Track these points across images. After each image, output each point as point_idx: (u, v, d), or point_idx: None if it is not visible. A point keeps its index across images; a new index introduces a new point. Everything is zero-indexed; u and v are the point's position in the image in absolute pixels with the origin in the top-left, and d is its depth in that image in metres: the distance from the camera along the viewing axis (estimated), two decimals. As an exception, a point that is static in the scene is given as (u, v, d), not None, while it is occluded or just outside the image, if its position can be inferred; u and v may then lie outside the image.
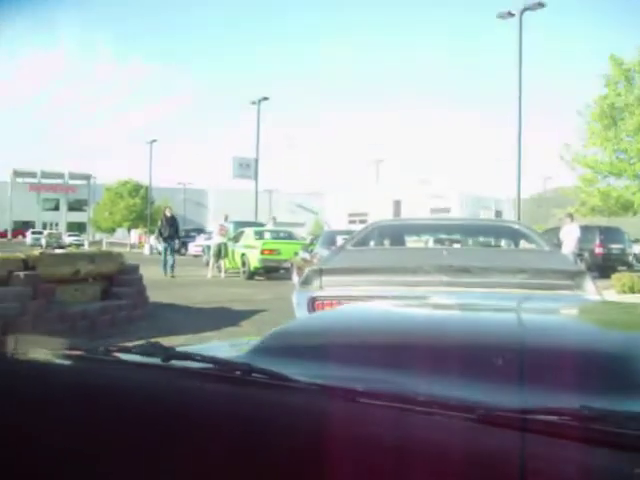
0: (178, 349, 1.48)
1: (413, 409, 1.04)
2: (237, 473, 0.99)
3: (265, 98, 42.01)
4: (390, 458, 0.94)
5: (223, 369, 1.27)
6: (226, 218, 23.50)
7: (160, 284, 15.56)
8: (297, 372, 1.24)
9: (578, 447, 0.91)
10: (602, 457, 0.90)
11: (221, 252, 22.06)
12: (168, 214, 21.25)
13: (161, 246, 22.19)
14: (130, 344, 1.48)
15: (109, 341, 7.34)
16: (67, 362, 1.40)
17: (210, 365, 1.29)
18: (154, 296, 11.57)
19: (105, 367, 1.38)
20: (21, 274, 7.84)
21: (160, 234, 21.48)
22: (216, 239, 22.41)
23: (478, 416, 0.99)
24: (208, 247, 28.04)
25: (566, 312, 2.44)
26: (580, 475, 0.87)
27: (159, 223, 22.06)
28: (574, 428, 0.95)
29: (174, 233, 21.20)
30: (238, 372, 1.25)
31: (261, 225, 29.12)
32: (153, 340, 1.49)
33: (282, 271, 20.57)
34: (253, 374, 1.23)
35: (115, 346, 1.49)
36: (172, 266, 20.38)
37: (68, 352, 1.46)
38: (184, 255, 21.86)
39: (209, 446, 1.04)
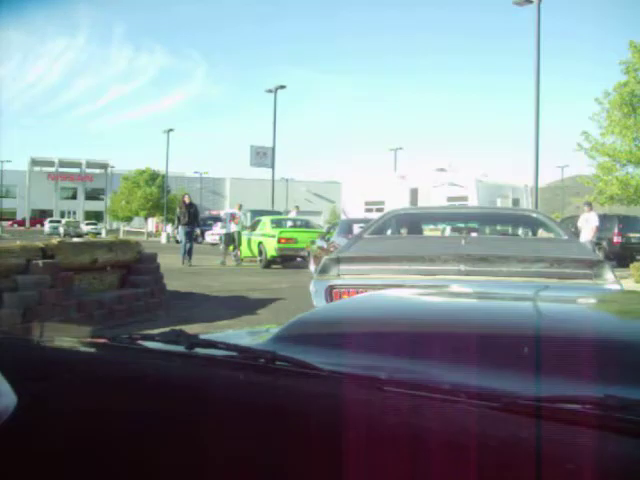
0: (202, 337, 1.49)
1: (437, 397, 1.05)
2: (262, 460, 1.00)
3: (282, 86, 41.96)
4: (413, 445, 0.94)
5: (247, 357, 1.28)
6: (240, 207, 23.54)
7: (177, 272, 15.63)
8: (318, 360, 1.25)
9: (604, 436, 0.91)
10: (626, 446, 0.90)
11: (234, 240, 22.08)
12: (187, 200, 20.77)
13: (179, 234, 21.60)
14: (154, 332, 1.49)
15: (128, 329, 7.38)
16: (91, 349, 1.41)
17: (234, 353, 1.30)
18: (171, 284, 11.61)
19: (129, 355, 1.39)
20: (40, 262, 7.88)
21: (178, 221, 21.03)
22: (229, 227, 22.40)
23: (503, 404, 0.99)
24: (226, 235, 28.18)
25: (585, 301, 2.43)
26: (605, 464, 0.87)
27: (177, 210, 21.63)
28: (599, 417, 0.95)
29: (193, 220, 20.71)
30: (262, 360, 1.25)
31: (278, 214, 29.16)
32: (177, 328, 1.49)
33: (299, 260, 20.59)
34: (277, 362, 1.23)
35: (139, 334, 1.50)
36: (190, 254, 20.08)
37: (92, 340, 1.47)
38: (201, 243, 21.40)
39: (234, 433, 1.05)
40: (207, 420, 1.08)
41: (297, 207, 28.31)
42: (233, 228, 22.07)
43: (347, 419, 0.99)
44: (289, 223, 23.10)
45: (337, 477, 0.91)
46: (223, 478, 1.00)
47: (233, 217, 22.45)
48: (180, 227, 20.80)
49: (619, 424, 0.93)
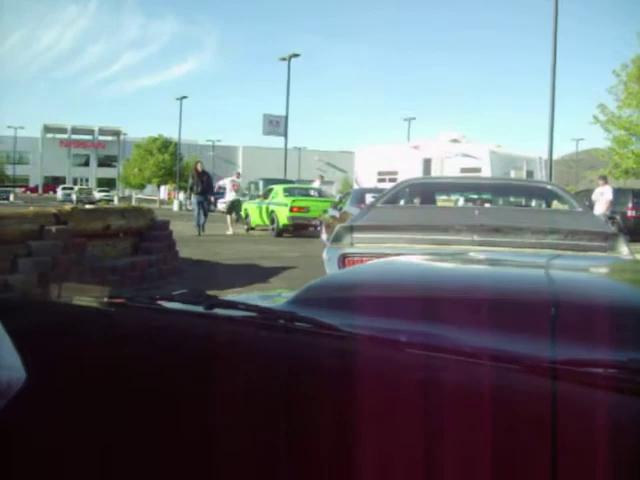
0: (221, 298, 1.49)
1: (458, 359, 1.05)
2: (281, 418, 1.00)
3: (295, 55, 41.71)
4: (434, 402, 0.95)
5: (266, 317, 1.28)
6: (238, 175, 23.38)
7: (189, 240, 15.65)
8: (334, 323, 1.25)
9: (624, 398, 0.91)
10: None
11: (235, 208, 21.95)
12: (199, 168, 20.10)
13: (192, 202, 21.00)
14: (173, 293, 1.49)
15: (143, 293, 7.42)
16: (111, 309, 1.41)
17: (253, 314, 1.30)
18: (183, 252, 11.64)
19: (148, 314, 1.40)
20: (53, 228, 7.91)
21: (191, 190, 20.43)
22: (229, 195, 22.21)
23: (524, 367, 0.99)
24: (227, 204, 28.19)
25: (601, 268, 2.42)
26: (626, 426, 0.87)
27: (190, 179, 20.96)
28: (621, 380, 0.94)
29: (206, 189, 20.01)
30: (281, 320, 1.25)
31: (290, 182, 29.09)
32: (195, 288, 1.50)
33: (311, 229, 20.59)
34: (297, 322, 1.24)
35: (158, 294, 1.51)
36: (202, 223, 19.59)
37: (110, 300, 1.48)
38: (213, 211, 21.02)
39: (254, 392, 1.05)
40: (227, 378, 1.09)
41: (322, 176, 27.97)
42: (232, 196, 21.85)
43: (367, 377, 0.99)
44: (302, 192, 23.07)
45: (356, 432, 0.92)
46: (241, 434, 1.00)
47: (233, 185, 22.30)
48: (193, 196, 20.27)
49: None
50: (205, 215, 19.82)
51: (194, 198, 20.10)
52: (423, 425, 0.93)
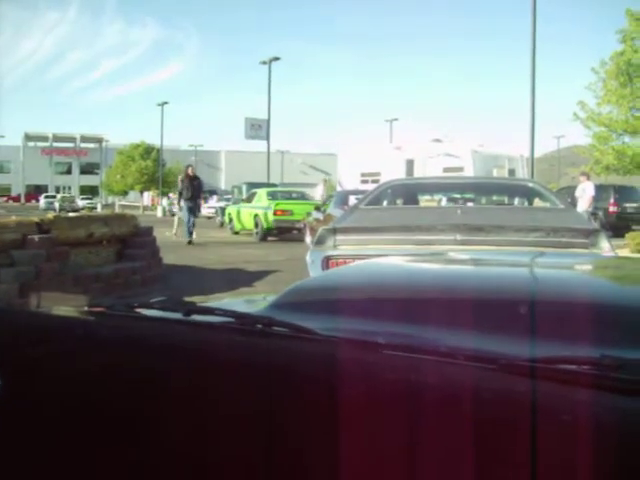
0: (199, 304, 1.49)
1: (434, 359, 1.05)
2: (261, 423, 1.00)
3: (276, 58, 41.69)
4: (411, 403, 0.95)
5: (244, 323, 1.28)
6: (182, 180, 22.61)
7: (173, 246, 15.61)
8: (315, 326, 1.25)
9: (600, 395, 0.92)
10: (621, 403, 0.91)
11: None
12: (191, 173, 18.92)
13: (182, 209, 19.27)
14: (151, 300, 1.49)
15: (124, 301, 7.39)
16: (89, 318, 1.41)
17: (231, 319, 1.30)
18: (167, 258, 11.61)
19: (127, 323, 1.40)
20: (35, 237, 7.87)
21: (180, 195, 19.13)
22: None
23: (500, 366, 1.00)
24: (221, 208, 27.98)
25: (580, 266, 2.44)
26: (602, 422, 0.88)
27: (179, 184, 19.53)
28: (596, 377, 0.95)
29: (197, 194, 19.03)
30: (259, 325, 1.26)
31: (274, 186, 29.08)
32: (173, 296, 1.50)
33: (295, 232, 20.59)
34: (274, 327, 1.24)
35: (136, 302, 1.50)
36: (190, 231, 18.47)
37: (90, 308, 1.47)
38: (197, 217, 20.23)
39: (232, 396, 1.05)
40: (205, 384, 1.09)
41: (325, 180, 27.44)
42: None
43: (345, 381, 0.99)
44: (285, 195, 23.07)
45: (336, 436, 0.92)
46: (222, 439, 1.00)
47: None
48: (183, 202, 18.93)
49: (615, 383, 0.93)
50: (193, 223, 18.82)
51: (184, 204, 18.92)
52: (404, 427, 0.93)
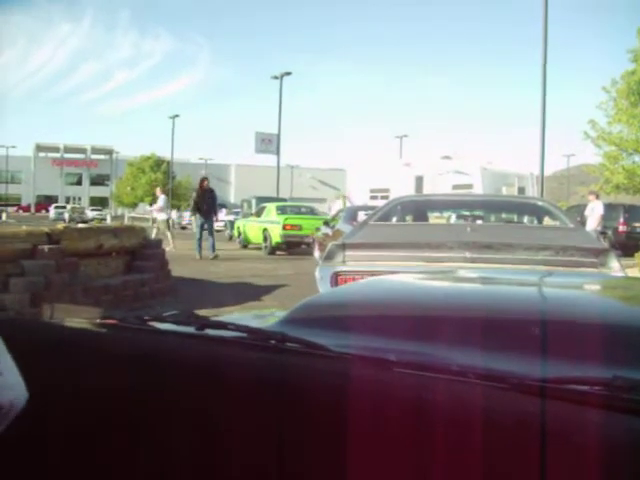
0: (211, 318, 1.50)
1: (445, 378, 1.06)
2: (273, 438, 1.01)
3: (288, 73, 41.86)
4: (422, 422, 0.95)
5: (257, 338, 1.29)
6: (160, 191, 22.36)
7: (182, 259, 15.60)
8: (326, 343, 1.26)
9: (611, 416, 0.92)
10: (635, 425, 0.91)
11: (169, 227, 21.03)
12: (205, 186, 17.96)
13: (196, 223, 18.41)
14: (164, 314, 1.50)
15: (134, 313, 7.40)
16: (102, 330, 1.42)
17: (244, 334, 1.30)
18: (176, 270, 11.62)
19: (139, 335, 1.40)
20: (45, 248, 7.90)
21: (196, 209, 18.02)
22: (161, 215, 21.13)
23: (512, 385, 1.00)
24: (230, 222, 28.03)
25: (590, 286, 2.44)
26: (613, 443, 0.88)
27: (193, 194, 18.64)
28: (608, 397, 0.96)
29: (211, 207, 17.95)
30: (272, 341, 1.26)
31: (283, 200, 29.13)
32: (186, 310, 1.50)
33: (304, 246, 20.58)
34: (287, 343, 1.24)
35: (149, 316, 1.51)
36: (212, 244, 17.28)
37: (102, 321, 1.48)
38: (213, 234, 19.08)
39: (244, 411, 1.06)
40: (218, 399, 1.09)
41: (344, 196, 27.27)
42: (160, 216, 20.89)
43: (356, 398, 1.00)
44: (294, 210, 23.10)
45: (346, 453, 0.92)
46: (233, 454, 1.01)
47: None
48: (197, 216, 18.05)
49: (626, 404, 0.94)
50: (211, 235, 17.71)
51: (197, 219, 18.08)
52: (415, 445, 0.94)
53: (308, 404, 1.03)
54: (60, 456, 1.05)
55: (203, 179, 18.65)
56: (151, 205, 22.22)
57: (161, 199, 21.28)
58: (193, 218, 19.67)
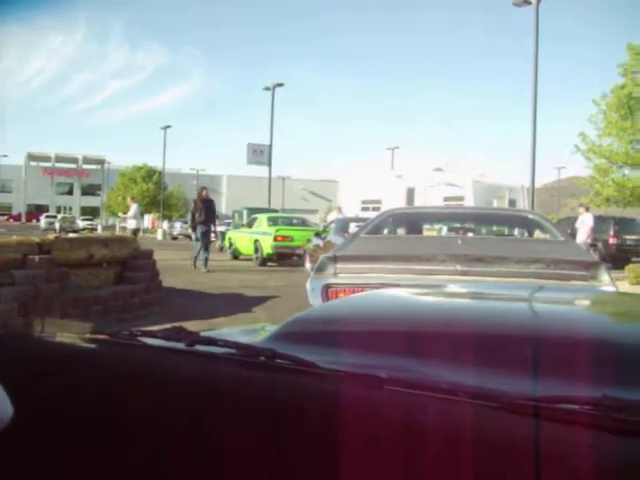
0: (202, 334, 1.50)
1: (436, 396, 1.06)
2: (263, 456, 1.01)
3: (279, 84, 41.92)
4: (412, 442, 0.95)
5: (247, 354, 1.29)
6: (132, 200, 22.42)
7: (173, 269, 15.57)
8: (317, 359, 1.26)
9: (601, 435, 0.92)
10: (623, 445, 0.91)
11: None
12: (204, 196, 17.56)
13: (196, 234, 17.73)
14: (154, 329, 1.50)
15: (124, 325, 7.39)
16: (92, 345, 1.42)
17: (234, 350, 1.30)
18: (167, 281, 11.60)
19: (130, 351, 1.40)
20: (36, 258, 7.88)
21: (193, 219, 17.58)
22: (132, 222, 21.10)
23: (502, 404, 1.00)
24: (221, 233, 28.02)
25: (581, 302, 2.44)
26: (602, 463, 0.88)
27: (192, 205, 18.13)
28: (597, 417, 0.96)
29: (211, 218, 17.54)
30: (262, 357, 1.26)
31: (274, 211, 29.14)
32: (177, 325, 1.50)
33: (295, 258, 20.58)
34: (277, 360, 1.24)
35: (139, 330, 1.51)
36: (206, 258, 17.06)
37: (93, 336, 1.48)
38: (198, 240, 18.68)
39: (234, 429, 1.06)
40: (208, 416, 1.09)
41: (339, 208, 27.37)
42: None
43: (346, 416, 1.00)
44: (285, 221, 23.11)
45: (336, 472, 0.92)
46: (224, 472, 1.01)
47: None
48: (197, 226, 17.35)
49: (616, 424, 0.94)
50: (206, 249, 17.36)
51: (198, 228, 17.36)
52: (405, 465, 0.94)
53: (298, 421, 1.03)
54: (46, 474, 1.05)
55: (202, 189, 18.26)
56: (125, 214, 22.51)
57: (133, 208, 21.41)
58: (192, 229, 18.64)
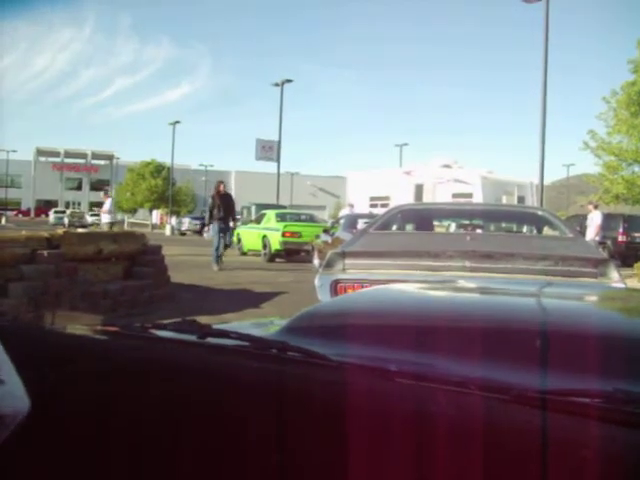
0: (213, 327, 1.50)
1: (447, 389, 1.06)
2: (274, 447, 1.01)
3: (289, 80, 41.91)
4: (423, 433, 0.96)
5: (259, 347, 1.29)
6: (106, 191, 23.61)
7: (181, 265, 15.56)
8: (327, 352, 1.26)
9: (611, 428, 0.93)
10: (634, 438, 0.91)
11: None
12: (222, 190, 16.59)
13: (212, 230, 16.91)
14: (165, 321, 1.50)
15: (133, 320, 7.40)
16: (104, 337, 1.42)
17: (246, 343, 1.31)
18: (175, 277, 11.61)
19: (141, 343, 1.41)
20: (45, 252, 7.90)
21: (211, 215, 16.55)
22: (105, 217, 21.77)
23: (512, 397, 1.01)
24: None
25: (590, 297, 2.44)
26: (612, 455, 0.88)
27: (210, 201, 17.00)
28: (607, 410, 0.96)
29: (229, 213, 16.55)
30: (274, 350, 1.27)
31: (283, 207, 29.14)
32: (188, 318, 1.51)
33: (303, 254, 20.58)
34: (288, 352, 1.25)
35: (150, 323, 1.52)
36: (219, 256, 16.26)
37: (104, 328, 1.49)
38: (228, 244, 17.54)
39: (245, 420, 1.06)
40: (219, 407, 1.10)
41: (350, 205, 27.25)
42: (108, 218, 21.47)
43: (357, 408, 1.00)
44: (294, 217, 23.11)
45: (346, 464, 0.93)
46: (233, 463, 1.01)
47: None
48: (214, 222, 16.40)
49: (627, 417, 0.94)
50: (226, 245, 16.65)
51: (214, 225, 16.45)
52: (415, 456, 0.94)
53: (309, 413, 1.04)
54: (61, 466, 1.06)
55: (219, 182, 17.21)
56: (101, 207, 23.22)
57: (107, 202, 22.03)
58: (210, 226, 17.75)
